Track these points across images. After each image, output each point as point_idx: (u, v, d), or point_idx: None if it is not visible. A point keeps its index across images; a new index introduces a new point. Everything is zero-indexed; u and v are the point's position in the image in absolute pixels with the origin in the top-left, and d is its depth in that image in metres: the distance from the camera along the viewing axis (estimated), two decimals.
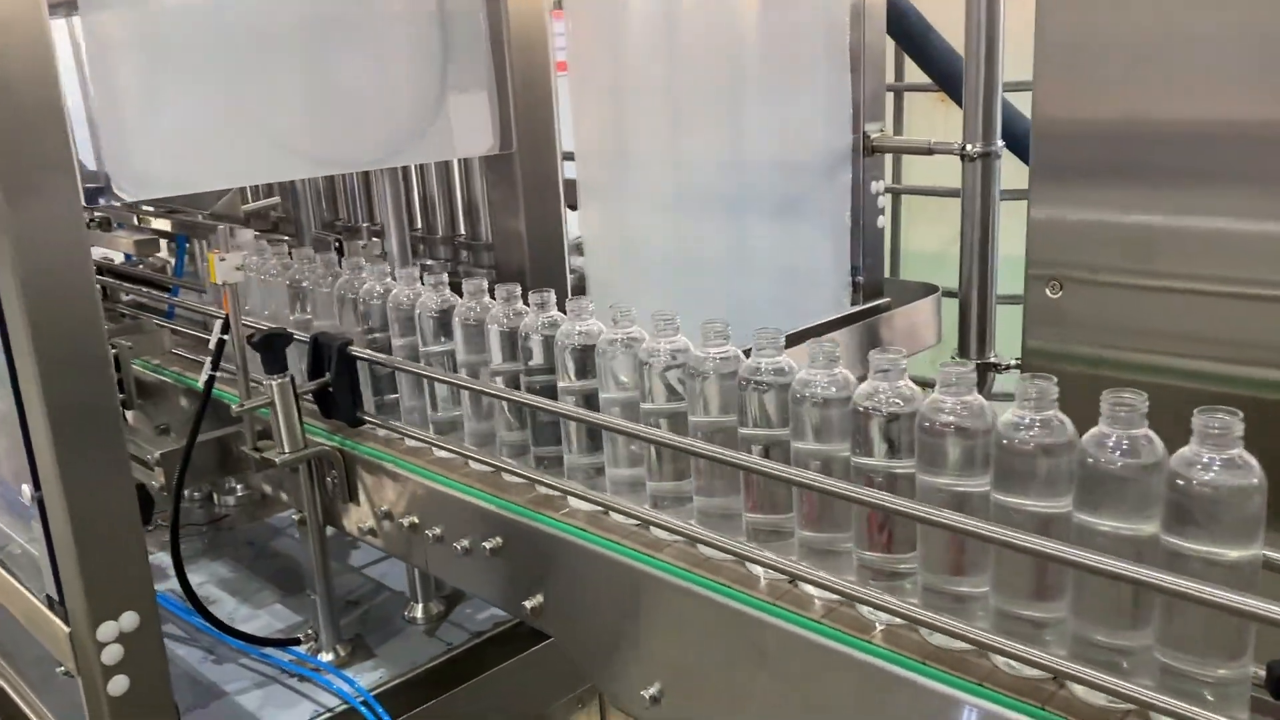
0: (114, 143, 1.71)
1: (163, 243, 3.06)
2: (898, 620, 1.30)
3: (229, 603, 2.57)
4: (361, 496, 2.05)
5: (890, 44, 3.49)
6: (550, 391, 1.71)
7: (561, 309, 1.73)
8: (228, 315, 2.07)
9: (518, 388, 1.76)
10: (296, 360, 2.09)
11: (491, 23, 2.07)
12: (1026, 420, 1.16)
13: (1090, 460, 1.12)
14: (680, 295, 2.55)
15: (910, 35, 3.38)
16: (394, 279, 2.03)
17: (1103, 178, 1.69)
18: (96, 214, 2.91)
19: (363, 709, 2.09)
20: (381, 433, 2.04)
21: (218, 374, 2.15)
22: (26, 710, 2.18)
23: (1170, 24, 1.54)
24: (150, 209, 3.10)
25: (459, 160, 2.53)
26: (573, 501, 1.70)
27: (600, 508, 1.66)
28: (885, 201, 3.60)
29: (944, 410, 1.23)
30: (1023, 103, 1.91)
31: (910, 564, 1.32)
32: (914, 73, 3.60)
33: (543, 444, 1.77)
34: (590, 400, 1.65)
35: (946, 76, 3.30)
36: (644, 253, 2.52)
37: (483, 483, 1.81)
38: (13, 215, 1.56)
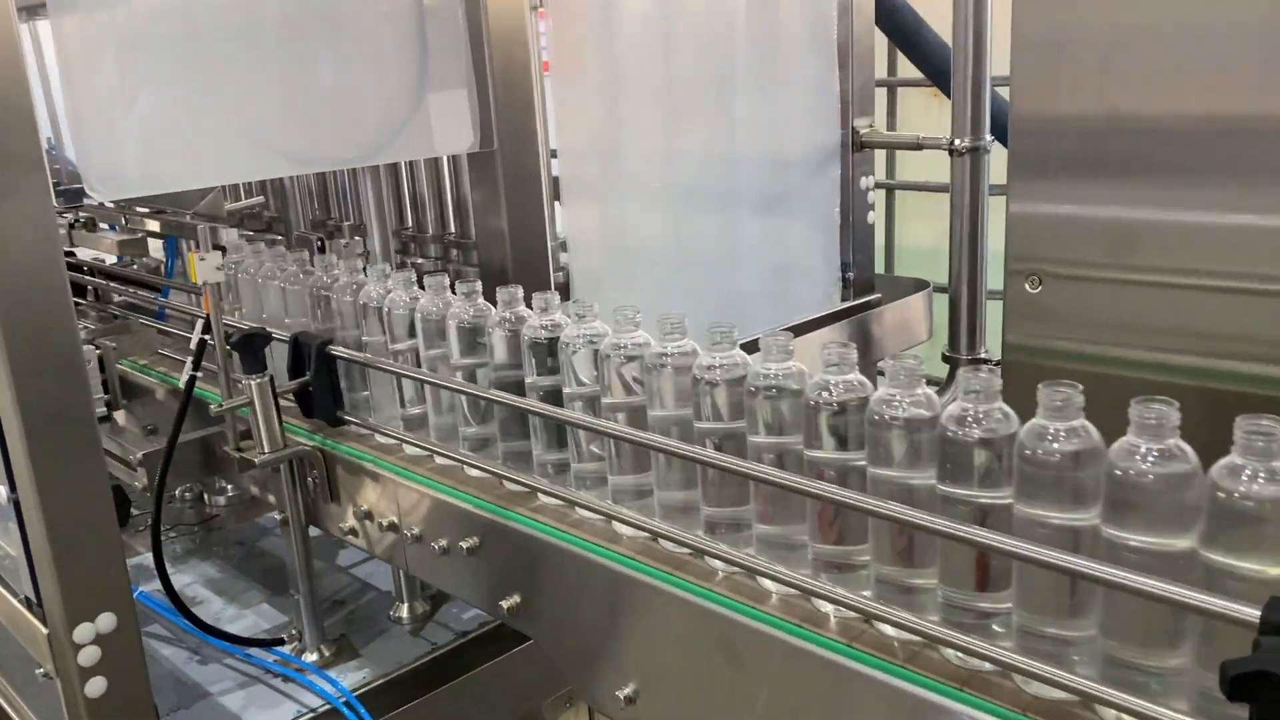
0: (86, 142, 1.70)
1: (157, 244, 3.07)
2: (850, 613, 1.30)
3: (216, 603, 2.57)
4: (343, 496, 2.04)
5: (883, 39, 3.49)
6: (520, 388, 1.71)
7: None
8: (209, 315, 2.07)
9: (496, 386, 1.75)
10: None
11: (470, 20, 2.06)
12: (971, 413, 1.16)
13: (1027, 452, 1.12)
14: (668, 292, 2.54)
15: (902, 30, 3.35)
16: (367, 276, 2.03)
17: (1081, 172, 1.67)
18: (81, 214, 2.90)
19: (345, 709, 2.09)
20: (362, 432, 2.04)
21: (199, 374, 2.14)
22: (11, 712, 2.18)
23: (1145, 18, 1.53)
24: (145, 209, 3.10)
25: (448, 159, 2.52)
26: (542, 498, 1.69)
27: (566, 504, 1.65)
28: (879, 197, 3.60)
29: (892, 404, 1.23)
30: None
31: (863, 556, 1.32)
32: (907, 68, 3.58)
33: (509, 439, 1.77)
34: (555, 396, 1.65)
35: (939, 72, 3.27)
36: (630, 250, 2.51)
37: (459, 482, 1.80)
38: None
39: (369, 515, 1.96)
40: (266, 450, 2.00)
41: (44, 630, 1.79)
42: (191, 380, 2.14)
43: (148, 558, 2.74)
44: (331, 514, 2.08)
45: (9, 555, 1.92)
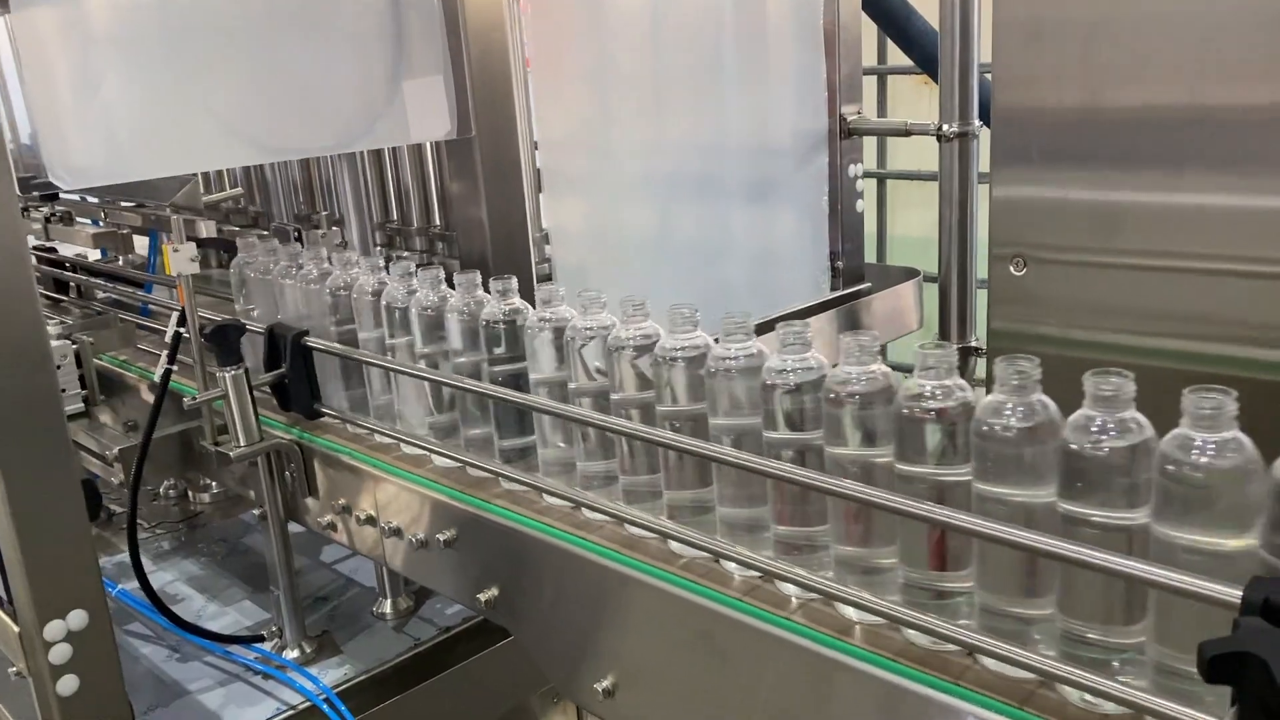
0: (49, 131, 1.67)
1: (144, 241, 3.04)
2: (814, 596, 1.29)
3: (198, 600, 2.54)
4: (321, 490, 2.01)
5: (871, 27, 3.45)
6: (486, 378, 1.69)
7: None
8: (183, 307, 2.04)
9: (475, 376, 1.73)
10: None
11: (446, 4, 2.02)
12: (928, 390, 1.15)
13: (985, 428, 1.11)
14: (653, 282, 2.51)
15: (891, 17, 3.32)
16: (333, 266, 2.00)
17: (1064, 156, 1.66)
18: (58, 208, 2.87)
19: (325, 706, 2.06)
20: (339, 424, 2.01)
21: (175, 368, 2.11)
22: None
23: (1126, 4, 1.51)
24: (128, 203, 3.07)
25: (432, 149, 2.49)
26: (505, 483, 1.68)
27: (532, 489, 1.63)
28: (869, 188, 3.57)
29: (849, 381, 1.22)
30: None
31: (824, 538, 1.30)
32: (897, 56, 3.55)
33: (471, 427, 1.76)
34: (520, 381, 1.64)
35: (928, 58, 3.24)
36: (614, 241, 2.47)
37: (436, 474, 1.78)
38: None
39: (347, 509, 1.94)
40: (242, 444, 1.97)
41: (15, 628, 1.76)
42: (167, 374, 2.11)
43: (126, 557, 2.72)
44: (310, 508, 2.05)
45: None
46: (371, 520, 1.88)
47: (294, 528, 2.15)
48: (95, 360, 2.58)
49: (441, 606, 2.37)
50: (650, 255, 2.52)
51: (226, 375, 1.93)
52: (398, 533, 1.82)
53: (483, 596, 1.67)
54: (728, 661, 1.36)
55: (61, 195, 3.04)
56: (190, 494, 3.11)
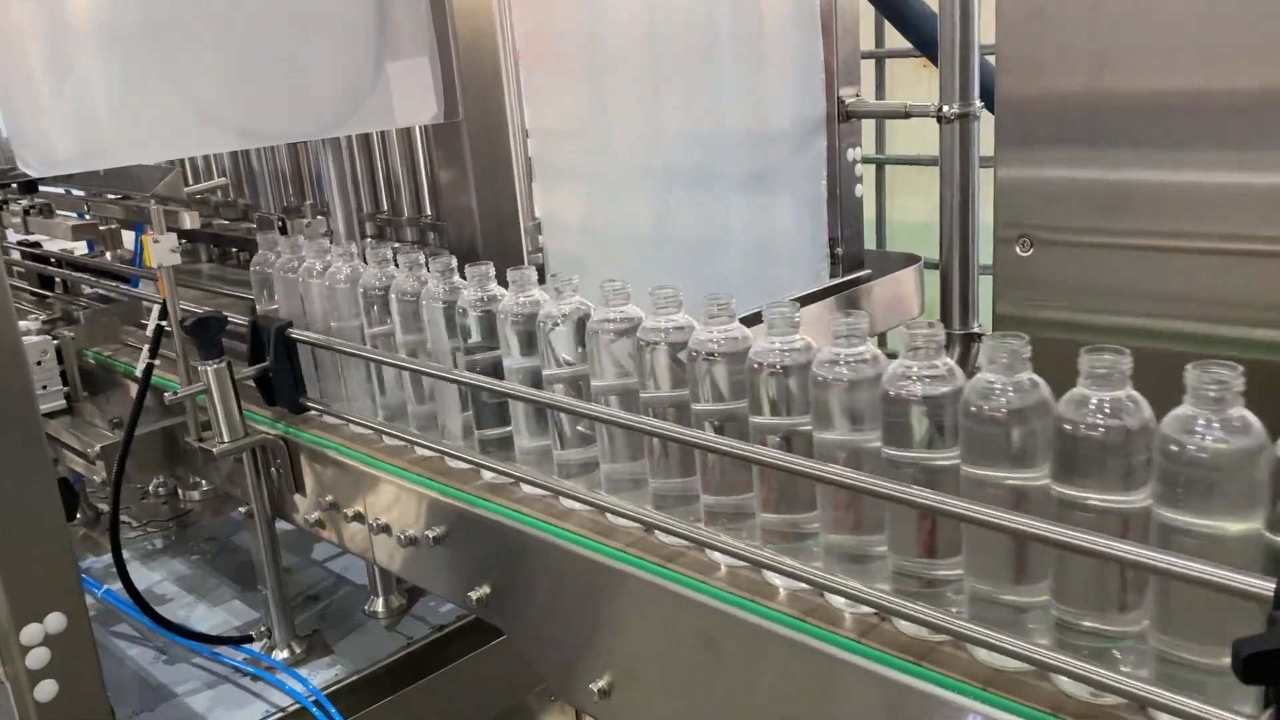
0: (17, 115, 1.61)
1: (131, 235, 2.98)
2: (802, 586, 1.25)
3: (186, 599, 2.49)
4: (308, 486, 1.96)
5: (869, 8, 3.40)
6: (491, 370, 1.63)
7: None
8: (165, 300, 1.98)
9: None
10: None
11: None
12: (914, 371, 1.11)
13: (973, 408, 1.06)
14: (648, 272, 2.44)
15: None
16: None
17: (1070, 137, 1.61)
18: (37, 201, 2.81)
19: (314, 709, 2.01)
20: (326, 419, 1.95)
21: (157, 362, 2.06)
22: None
23: None
24: (113, 195, 3.01)
25: (421, 137, 2.43)
26: (486, 474, 1.63)
27: (513, 480, 1.58)
28: (868, 172, 3.52)
29: (837, 362, 1.18)
30: None
31: (811, 525, 1.26)
32: (895, 39, 3.49)
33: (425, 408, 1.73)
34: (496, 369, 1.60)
35: (926, 40, 3.18)
36: (608, 230, 2.42)
37: (425, 468, 1.72)
38: None
39: (335, 506, 1.88)
40: (226, 440, 1.92)
41: None
42: (148, 369, 2.05)
43: None
44: (297, 505, 2.00)
45: None
46: (359, 517, 1.82)
47: (284, 524, 2.09)
48: (82, 355, 2.52)
49: (435, 604, 2.32)
50: (646, 243, 2.47)
51: (209, 369, 1.88)
52: (386, 530, 1.77)
53: (474, 595, 1.62)
54: (728, 660, 1.31)
55: (41, 188, 2.98)
56: (180, 491, 3.06)
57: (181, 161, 2.99)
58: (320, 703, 2.00)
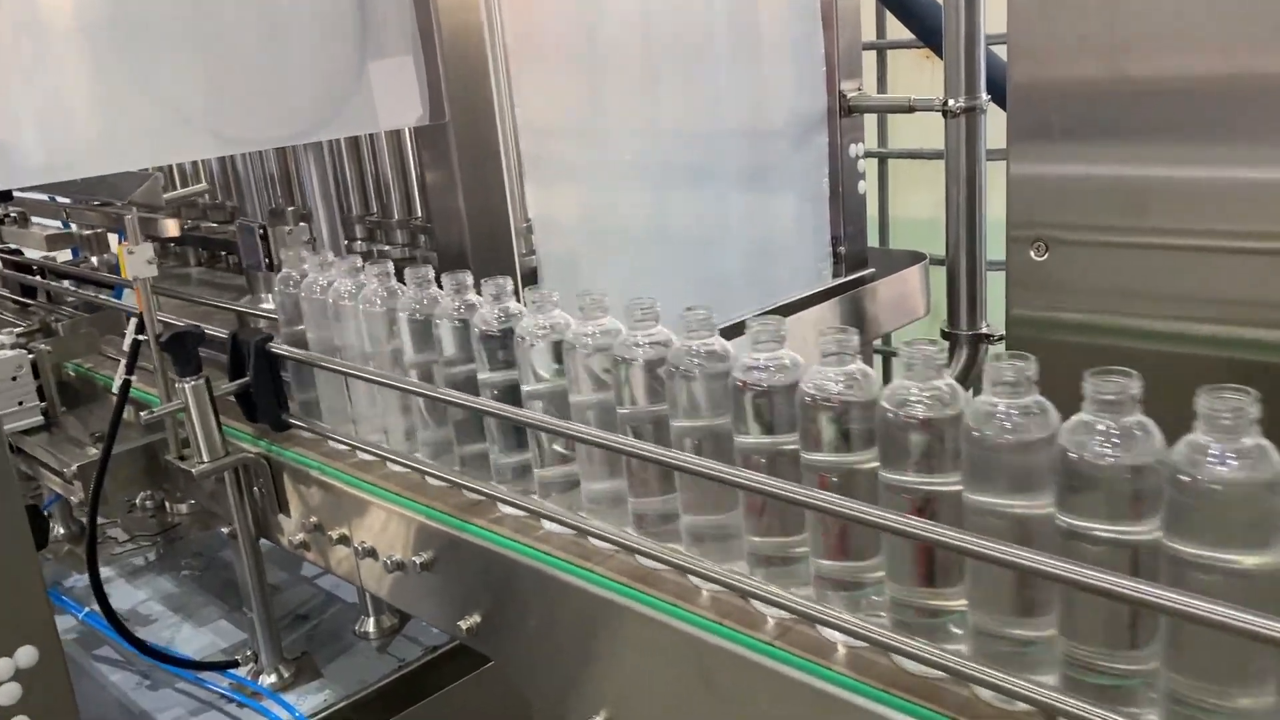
0: None
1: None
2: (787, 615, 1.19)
3: (172, 620, 2.41)
4: (292, 507, 1.87)
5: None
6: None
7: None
8: (141, 313, 1.89)
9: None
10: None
11: None
12: (912, 393, 1.04)
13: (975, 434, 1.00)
14: (645, 274, 2.39)
15: None
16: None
17: (1087, 131, 1.53)
18: (12, 210, 2.72)
19: None
20: (310, 436, 1.87)
21: (133, 377, 1.97)
22: None
23: None
24: (97, 202, 2.92)
25: (411, 137, 2.35)
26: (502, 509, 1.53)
27: (529, 514, 1.48)
28: (870, 167, 3.43)
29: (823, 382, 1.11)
30: None
31: (800, 548, 1.20)
32: (897, 29, 3.41)
33: (463, 444, 1.61)
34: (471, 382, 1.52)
35: (930, 30, 3.10)
36: (603, 230, 2.34)
37: (411, 490, 1.64)
38: None
39: (319, 527, 1.80)
40: (205, 459, 1.83)
41: None
42: (125, 385, 1.96)
43: (104, 572, 2.59)
44: (282, 526, 1.91)
45: None
46: (345, 540, 1.74)
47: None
48: (62, 368, 2.44)
49: (428, 625, 2.23)
50: (643, 244, 2.40)
51: (186, 386, 1.79)
52: (372, 554, 1.68)
53: (464, 624, 1.54)
54: (731, 701, 1.22)
55: (24, 194, 2.90)
56: (167, 505, 2.97)
57: (167, 166, 2.92)
58: None
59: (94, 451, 2.17)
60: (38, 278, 2.90)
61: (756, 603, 1.21)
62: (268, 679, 2.08)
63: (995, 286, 2.54)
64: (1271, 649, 0.81)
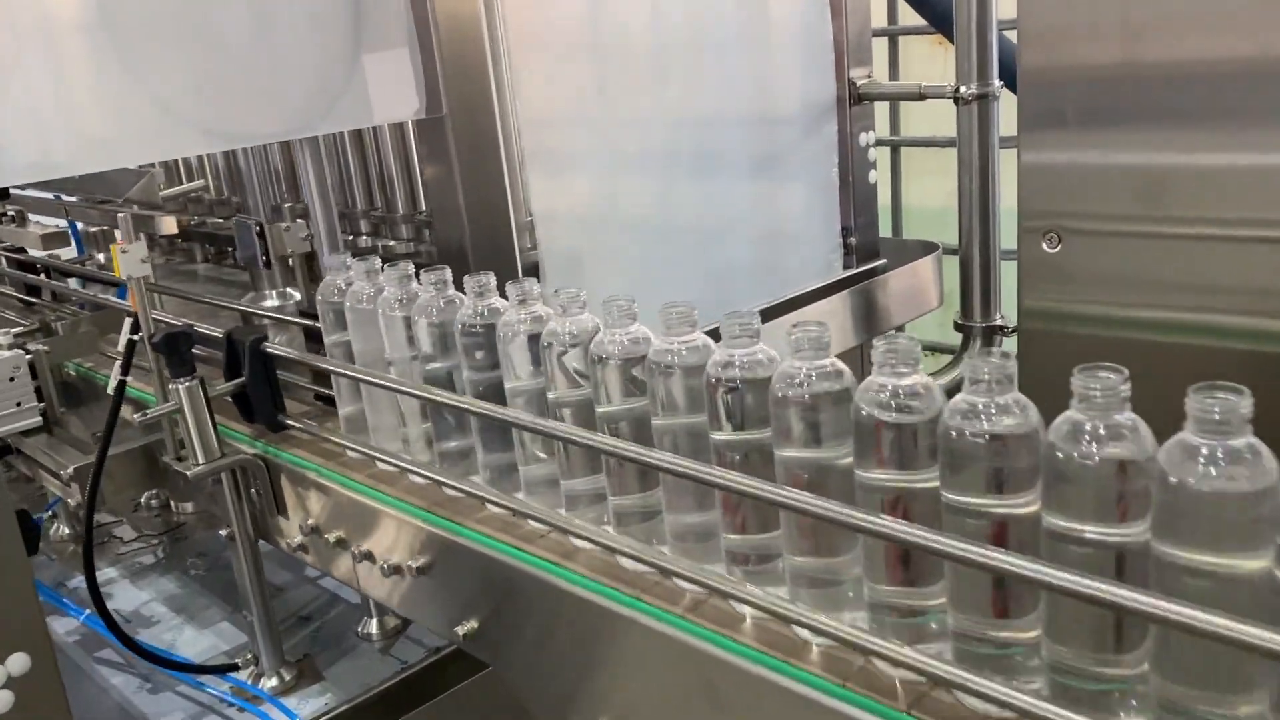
0: None
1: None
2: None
3: (175, 621, 2.38)
4: (289, 509, 1.84)
5: None
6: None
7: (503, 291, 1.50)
8: (136, 312, 1.86)
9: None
10: None
11: None
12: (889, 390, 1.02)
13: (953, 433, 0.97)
14: (651, 267, 2.34)
15: None
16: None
17: (1101, 118, 1.48)
18: (10, 208, 2.70)
19: None
20: (307, 437, 1.83)
21: (128, 378, 1.94)
22: None
23: None
24: (98, 199, 2.89)
25: (414, 130, 2.31)
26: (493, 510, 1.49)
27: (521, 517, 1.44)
28: (881, 155, 3.38)
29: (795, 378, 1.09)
30: None
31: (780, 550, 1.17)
32: (908, 15, 3.35)
33: (447, 439, 1.58)
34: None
35: (941, 17, 3.05)
36: (607, 223, 2.30)
37: (409, 493, 1.60)
38: None
39: (316, 529, 1.76)
40: (201, 461, 1.80)
41: None
42: (121, 385, 1.93)
43: (105, 573, 2.57)
44: (280, 528, 1.88)
45: None
46: (342, 543, 1.71)
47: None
48: (62, 368, 2.41)
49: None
50: (649, 238, 2.36)
51: (180, 387, 1.76)
52: (369, 557, 1.65)
53: (461, 630, 1.50)
54: (735, 712, 1.18)
55: (26, 191, 2.88)
56: (173, 504, 2.95)
57: (169, 161, 2.89)
58: None
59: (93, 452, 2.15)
60: (41, 277, 2.88)
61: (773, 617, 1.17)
62: (268, 682, 2.05)
63: (1010, 277, 2.49)
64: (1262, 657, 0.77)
